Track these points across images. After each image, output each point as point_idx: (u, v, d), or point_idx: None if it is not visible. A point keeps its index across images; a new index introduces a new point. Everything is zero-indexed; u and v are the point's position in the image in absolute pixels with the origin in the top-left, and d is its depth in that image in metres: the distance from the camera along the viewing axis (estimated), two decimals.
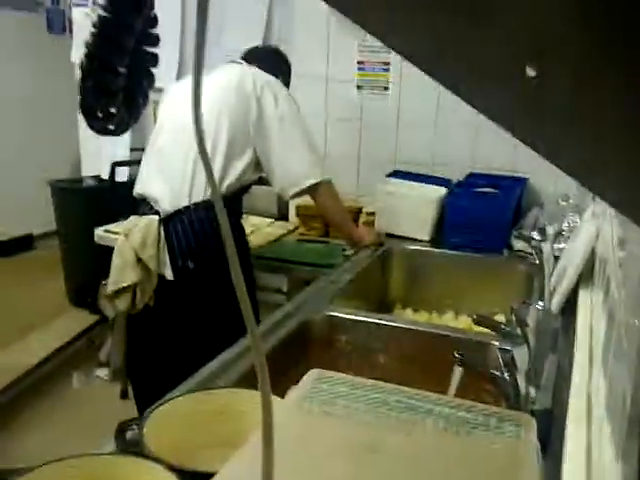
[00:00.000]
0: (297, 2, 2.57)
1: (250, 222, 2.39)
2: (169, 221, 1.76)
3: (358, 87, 2.54)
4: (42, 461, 0.75)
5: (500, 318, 1.64)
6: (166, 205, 1.78)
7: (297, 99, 1.91)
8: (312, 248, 2.29)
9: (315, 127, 2.54)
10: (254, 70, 1.87)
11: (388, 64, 2.47)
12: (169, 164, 1.82)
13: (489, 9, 0.27)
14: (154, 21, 0.49)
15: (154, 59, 0.53)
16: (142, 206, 1.85)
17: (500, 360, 1.06)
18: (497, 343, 1.25)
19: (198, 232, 1.74)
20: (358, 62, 2.51)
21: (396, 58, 2.39)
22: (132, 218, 1.84)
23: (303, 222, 2.45)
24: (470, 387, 1.12)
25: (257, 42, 2.51)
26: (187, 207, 1.75)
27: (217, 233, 0.41)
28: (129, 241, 1.75)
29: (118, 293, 1.76)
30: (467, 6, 0.27)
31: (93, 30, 0.50)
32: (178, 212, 1.76)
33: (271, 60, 2.06)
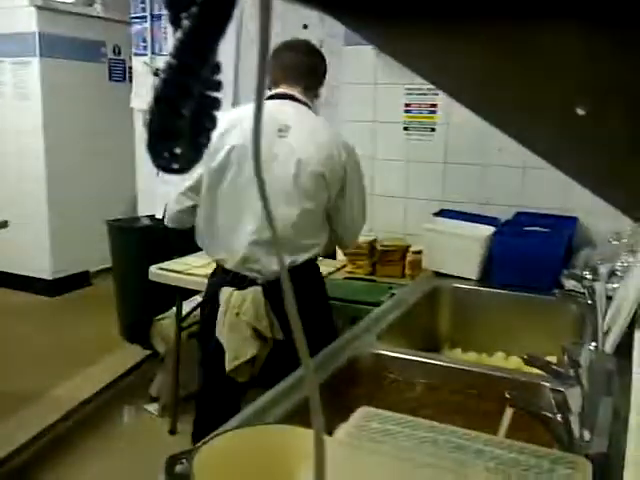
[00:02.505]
0: (345, 49, 2.63)
1: None
2: (273, 290, 1.79)
3: (405, 128, 2.57)
4: None
5: (552, 359, 1.60)
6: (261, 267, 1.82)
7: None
8: (359, 286, 2.30)
9: (363, 167, 2.57)
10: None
11: (435, 106, 2.49)
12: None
13: (544, 58, 0.28)
14: (217, 68, 0.52)
15: (216, 103, 0.55)
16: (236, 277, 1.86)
17: (552, 401, 1.04)
18: (549, 384, 1.22)
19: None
20: (405, 104, 2.55)
21: (443, 100, 2.42)
22: (234, 293, 1.83)
23: (350, 260, 2.46)
24: (522, 428, 1.09)
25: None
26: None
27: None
28: (244, 316, 1.80)
29: (238, 368, 1.81)
30: (524, 51, 0.29)
31: (162, 75, 0.53)
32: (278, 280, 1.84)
33: (314, 71, 1.97)
